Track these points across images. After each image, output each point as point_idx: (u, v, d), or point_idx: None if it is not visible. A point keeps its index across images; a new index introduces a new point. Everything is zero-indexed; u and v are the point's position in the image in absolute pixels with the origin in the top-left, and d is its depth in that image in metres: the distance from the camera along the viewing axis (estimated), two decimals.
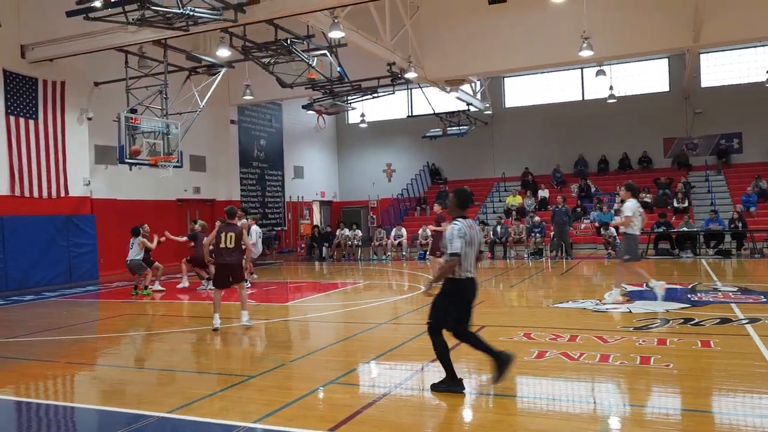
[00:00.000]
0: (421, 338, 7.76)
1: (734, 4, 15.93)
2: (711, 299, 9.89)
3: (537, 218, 20.44)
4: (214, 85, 17.75)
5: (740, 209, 20.06)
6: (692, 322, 8.02)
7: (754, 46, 23.80)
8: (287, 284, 13.98)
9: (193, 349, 7.93)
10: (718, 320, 8.10)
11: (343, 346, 7.85)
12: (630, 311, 9.01)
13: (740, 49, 23.99)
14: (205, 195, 22.58)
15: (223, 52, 15.67)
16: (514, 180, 26.89)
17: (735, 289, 10.98)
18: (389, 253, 21.22)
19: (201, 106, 17.47)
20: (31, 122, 15.48)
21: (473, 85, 24.51)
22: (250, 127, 24.74)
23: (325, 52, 16.25)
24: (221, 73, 17.70)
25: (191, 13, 12.10)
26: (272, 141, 26.11)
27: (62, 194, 16.02)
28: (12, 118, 15.05)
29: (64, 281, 15.67)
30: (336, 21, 13.43)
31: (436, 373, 6.14)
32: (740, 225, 18.31)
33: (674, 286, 11.28)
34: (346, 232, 22.10)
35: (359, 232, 22.39)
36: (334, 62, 16.75)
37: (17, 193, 15.09)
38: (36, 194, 15.50)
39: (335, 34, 13.75)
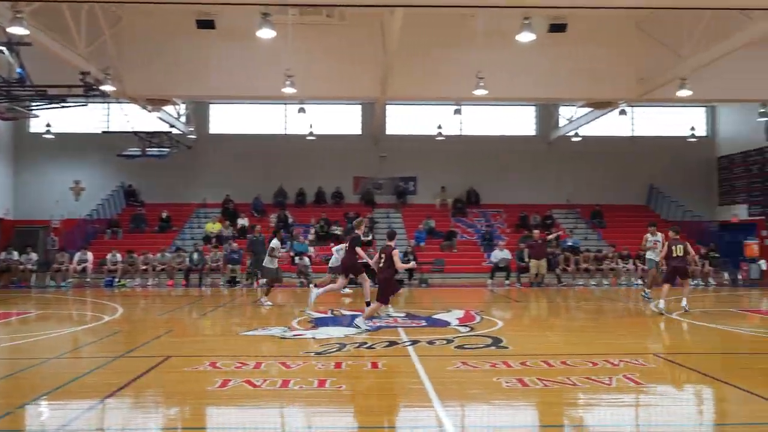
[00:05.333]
0: (97, 373, 7.20)
1: (413, 68, 18.35)
2: (383, 324, 11.05)
3: (235, 245, 20.58)
4: None
5: (413, 244, 22.94)
6: (366, 346, 8.88)
7: (431, 104, 27.42)
8: None
9: None
10: (387, 343, 9.09)
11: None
12: (314, 338, 9.60)
13: (420, 105, 27.54)
14: None
15: None
16: (215, 207, 26.64)
17: (402, 314, 12.35)
18: (71, 279, 19.19)
19: None
20: None
21: (177, 107, 23.84)
22: None
23: (3, 48, 14.24)
24: None
25: None
26: None
27: None
28: None
29: None
30: (18, 16, 11.93)
31: (113, 410, 5.74)
32: (412, 258, 20.91)
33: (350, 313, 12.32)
34: (15, 256, 19.45)
35: (35, 256, 19.89)
36: (14, 61, 14.75)
37: None
38: None
39: (17, 31, 12.18)
